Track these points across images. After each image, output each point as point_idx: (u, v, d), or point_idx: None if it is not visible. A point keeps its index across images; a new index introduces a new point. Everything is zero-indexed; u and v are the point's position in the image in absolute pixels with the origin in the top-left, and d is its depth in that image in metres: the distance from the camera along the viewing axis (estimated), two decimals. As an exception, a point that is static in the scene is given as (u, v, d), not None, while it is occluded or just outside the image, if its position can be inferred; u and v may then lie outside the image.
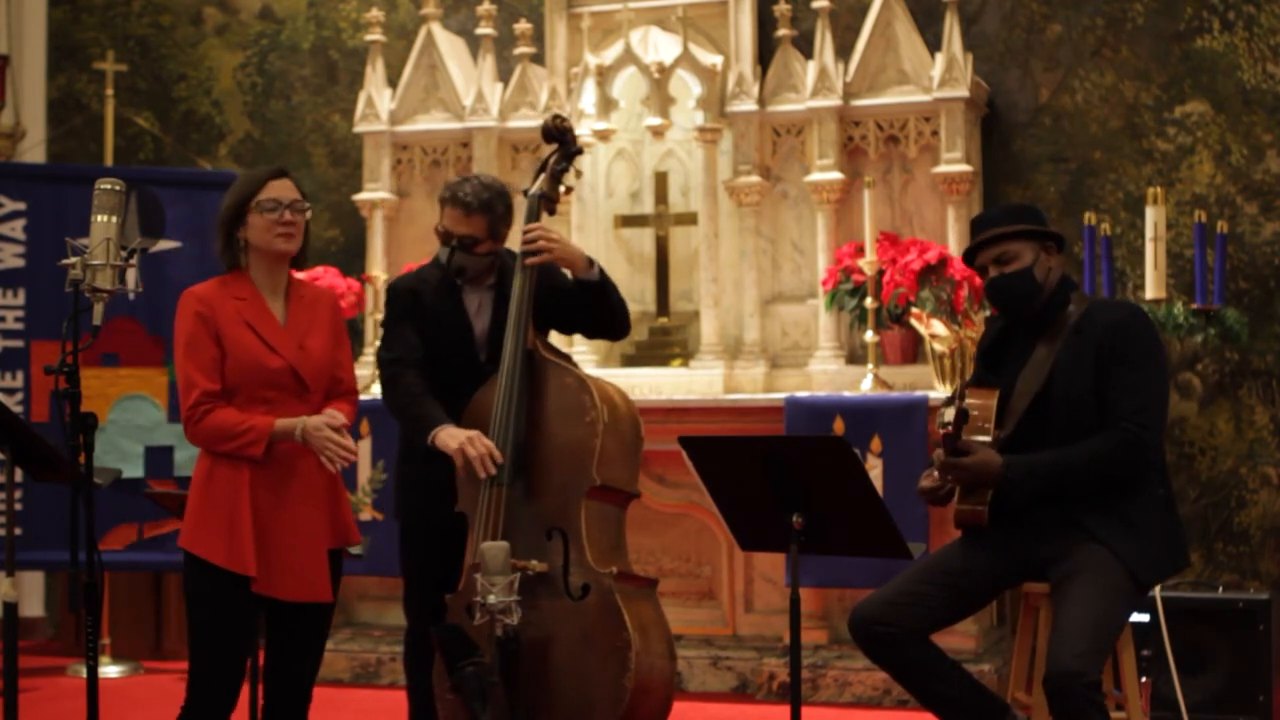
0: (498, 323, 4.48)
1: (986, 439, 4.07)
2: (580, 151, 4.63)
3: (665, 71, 6.55)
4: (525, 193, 4.59)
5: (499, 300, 4.51)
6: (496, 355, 4.43)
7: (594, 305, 4.54)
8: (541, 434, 4.36)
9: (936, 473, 4.11)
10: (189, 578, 3.97)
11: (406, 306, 4.52)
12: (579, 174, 4.63)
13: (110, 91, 7.41)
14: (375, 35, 7.14)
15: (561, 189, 4.58)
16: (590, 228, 6.72)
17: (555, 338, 6.17)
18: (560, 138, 4.55)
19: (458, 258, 4.46)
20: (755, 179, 6.60)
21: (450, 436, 4.28)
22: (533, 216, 4.52)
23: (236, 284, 4.03)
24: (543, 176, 4.56)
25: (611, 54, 6.68)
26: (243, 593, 3.91)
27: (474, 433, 4.29)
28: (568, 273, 4.56)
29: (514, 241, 4.56)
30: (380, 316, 6.92)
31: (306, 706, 4.11)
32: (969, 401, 4.07)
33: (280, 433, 3.93)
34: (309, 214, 4.08)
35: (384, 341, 4.57)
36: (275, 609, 3.98)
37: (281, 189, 4.02)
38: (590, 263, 4.49)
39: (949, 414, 3.99)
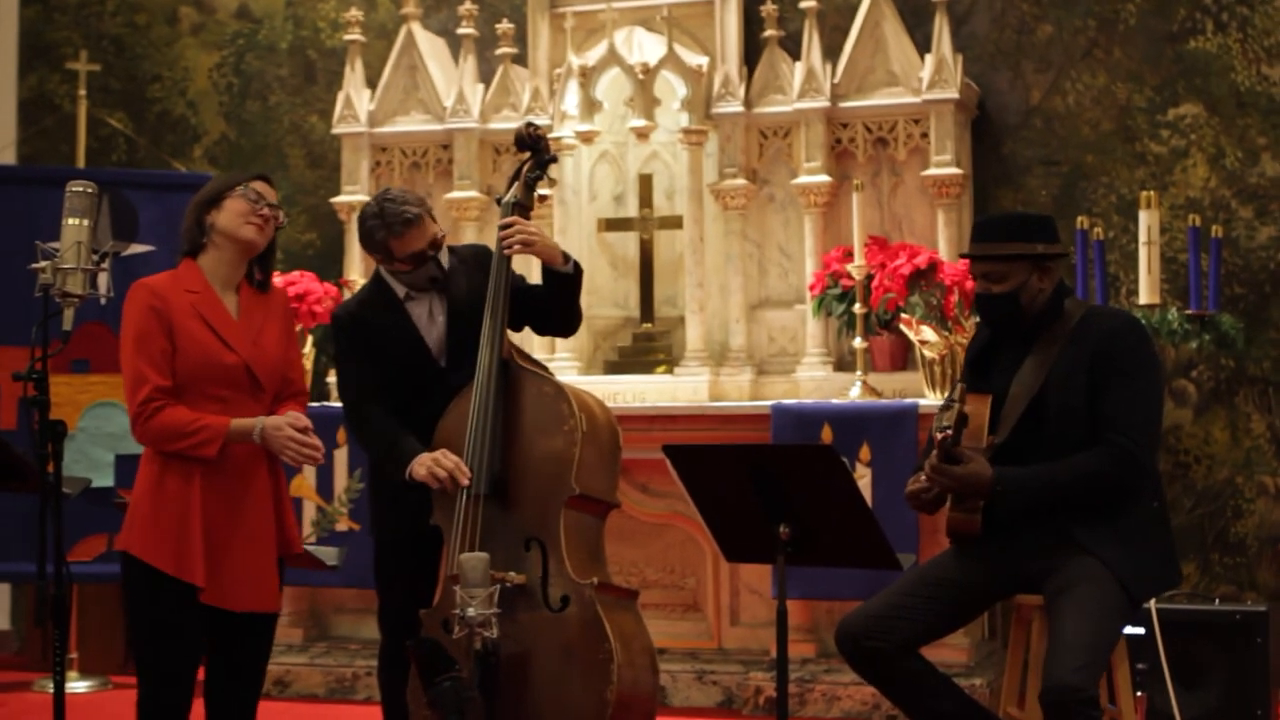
0: (453, 325, 4.41)
1: (980, 445, 4.02)
2: (554, 159, 4.63)
3: (650, 72, 6.49)
4: (498, 200, 4.57)
5: (451, 302, 4.42)
6: (457, 359, 4.38)
7: (559, 299, 4.48)
8: (519, 443, 4.30)
9: (925, 477, 4.05)
10: (132, 584, 3.88)
11: (352, 337, 4.44)
12: (553, 182, 4.59)
13: (83, 92, 7.34)
14: (354, 35, 7.08)
15: (536, 196, 4.56)
16: (573, 231, 6.64)
17: (539, 344, 6.18)
18: (534, 145, 4.54)
19: (418, 275, 4.38)
20: (741, 182, 6.53)
21: (419, 464, 4.26)
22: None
23: (188, 277, 3.97)
24: (516, 184, 4.53)
25: (595, 54, 6.61)
26: (190, 601, 3.83)
27: (438, 453, 4.25)
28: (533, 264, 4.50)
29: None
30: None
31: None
32: (966, 408, 4.00)
33: (236, 433, 3.85)
34: (283, 223, 4.07)
35: (339, 381, 4.53)
36: (220, 620, 3.90)
37: (267, 189, 4.04)
38: (566, 257, 4.46)
39: (947, 418, 3.95)
